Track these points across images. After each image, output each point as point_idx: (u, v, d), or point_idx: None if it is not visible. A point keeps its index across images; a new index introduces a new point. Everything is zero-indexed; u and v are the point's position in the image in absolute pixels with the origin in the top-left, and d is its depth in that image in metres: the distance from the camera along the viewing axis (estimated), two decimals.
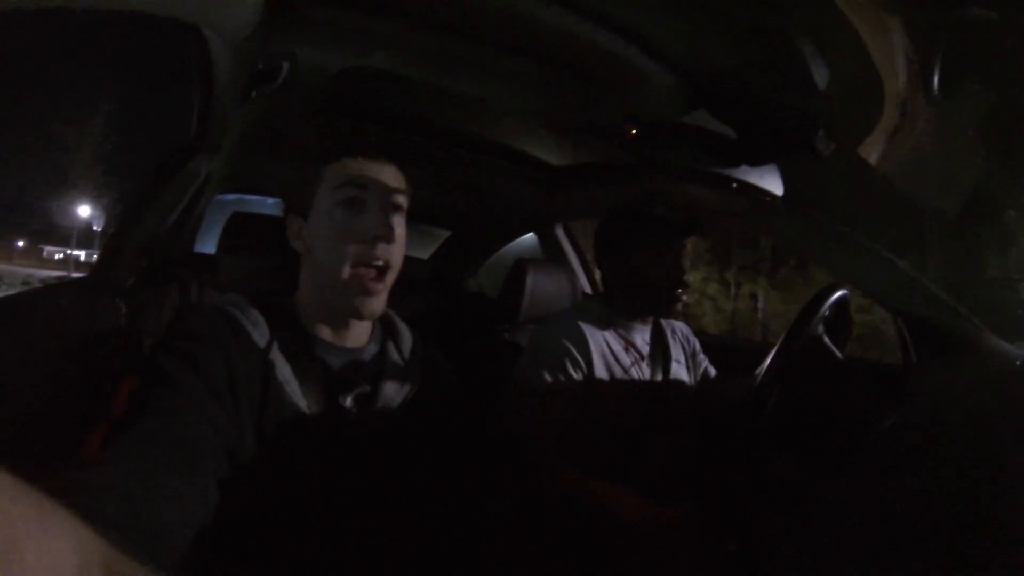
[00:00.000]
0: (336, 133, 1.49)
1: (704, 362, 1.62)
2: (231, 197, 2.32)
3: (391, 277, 0.90)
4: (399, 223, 0.90)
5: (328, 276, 0.88)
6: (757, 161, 1.22)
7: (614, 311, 1.47)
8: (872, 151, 1.16)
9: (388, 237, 0.86)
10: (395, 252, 0.89)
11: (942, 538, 0.43)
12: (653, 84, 1.09)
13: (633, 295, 1.45)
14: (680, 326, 1.65)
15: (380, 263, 0.87)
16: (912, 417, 0.72)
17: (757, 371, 1.27)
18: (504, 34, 1.02)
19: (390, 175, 0.90)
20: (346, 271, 0.86)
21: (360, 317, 0.91)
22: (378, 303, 0.89)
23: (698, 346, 1.63)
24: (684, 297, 1.44)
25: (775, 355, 1.23)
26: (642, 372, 1.43)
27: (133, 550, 0.35)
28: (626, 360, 1.42)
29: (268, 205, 2.37)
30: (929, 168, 1.16)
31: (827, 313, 1.23)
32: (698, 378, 1.58)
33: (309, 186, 0.90)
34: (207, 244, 2.37)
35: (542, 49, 1.05)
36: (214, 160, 1.48)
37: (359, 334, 0.95)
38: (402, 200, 0.91)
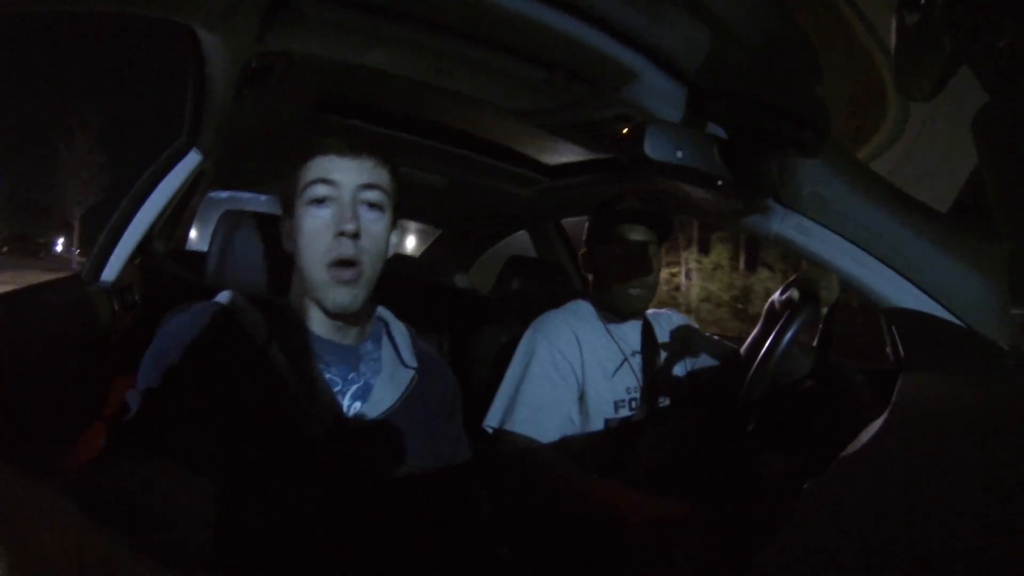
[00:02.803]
0: (333, 131, 1.49)
1: (701, 349, 1.62)
2: (224, 194, 2.32)
3: (366, 273, 0.89)
4: (373, 219, 0.89)
5: (306, 274, 0.88)
6: (750, 161, 1.23)
7: (601, 307, 1.49)
8: (865, 150, 1.17)
9: (355, 233, 0.85)
10: (367, 248, 0.88)
11: (932, 537, 0.44)
12: (647, 84, 1.09)
13: (608, 290, 1.46)
14: (673, 316, 1.65)
15: (349, 260, 0.86)
16: (901, 416, 0.73)
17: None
18: (498, 34, 1.02)
19: (363, 170, 0.89)
20: (320, 269, 0.86)
21: (339, 313, 0.90)
22: (352, 299, 0.88)
23: (693, 335, 1.63)
24: (636, 293, 1.43)
25: (763, 355, 1.24)
26: (632, 367, 1.44)
27: (131, 547, 0.35)
28: (616, 356, 1.43)
29: (261, 202, 2.37)
30: (921, 166, 1.17)
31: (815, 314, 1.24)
32: (692, 368, 1.58)
33: (291, 187, 0.90)
34: (200, 242, 2.36)
35: (536, 48, 1.06)
36: (207, 158, 1.48)
37: (354, 331, 0.96)
38: (376, 196, 0.89)
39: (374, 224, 0.89)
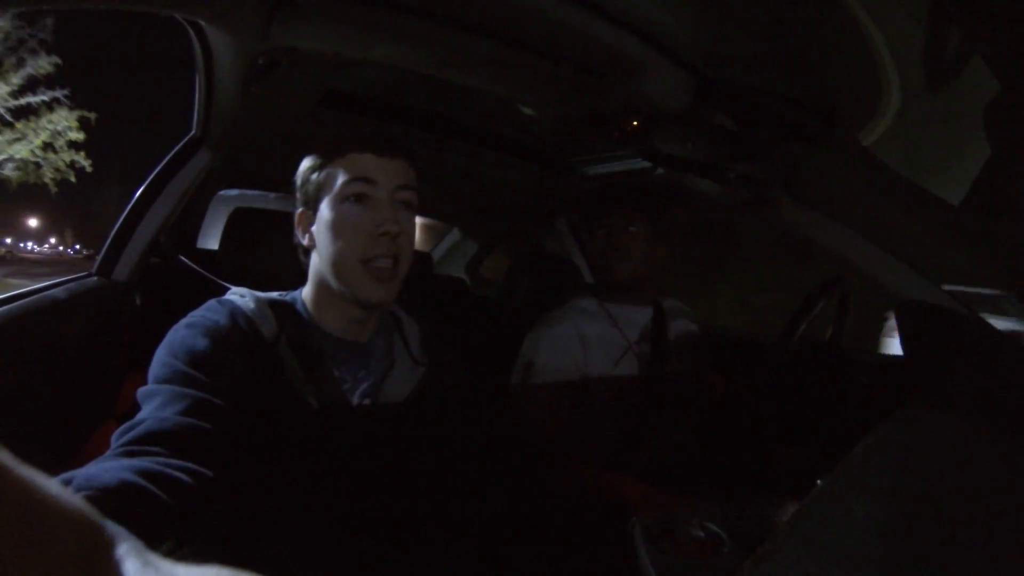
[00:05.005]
0: (339, 126, 1.49)
1: (698, 349, 1.62)
2: (234, 192, 2.32)
3: (401, 270, 0.91)
4: (408, 218, 0.91)
5: (337, 270, 0.88)
6: (759, 152, 1.22)
7: (600, 293, 1.49)
8: (875, 140, 1.15)
9: (396, 233, 0.87)
10: (404, 246, 0.90)
11: (943, 529, 0.43)
12: (655, 76, 1.09)
13: (597, 271, 1.48)
14: (675, 308, 1.65)
15: (389, 258, 0.88)
16: (915, 407, 0.73)
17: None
18: (506, 26, 1.02)
19: (399, 170, 0.90)
20: (354, 265, 0.87)
21: (369, 308, 0.92)
22: (388, 295, 0.90)
23: (694, 332, 1.63)
24: (623, 273, 1.44)
25: (775, 347, 1.23)
26: (638, 357, 1.44)
27: (140, 542, 0.35)
28: (620, 344, 1.43)
29: (271, 199, 2.38)
30: (931, 158, 1.16)
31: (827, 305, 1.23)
32: (693, 363, 1.58)
33: (317, 180, 0.90)
34: (210, 240, 2.38)
35: (544, 41, 1.05)
36: (217, 155, 1.48)
37: (366, 328, 0.96)
38: (410, 196, 0.92)
39: (408, 223, 0.91)
